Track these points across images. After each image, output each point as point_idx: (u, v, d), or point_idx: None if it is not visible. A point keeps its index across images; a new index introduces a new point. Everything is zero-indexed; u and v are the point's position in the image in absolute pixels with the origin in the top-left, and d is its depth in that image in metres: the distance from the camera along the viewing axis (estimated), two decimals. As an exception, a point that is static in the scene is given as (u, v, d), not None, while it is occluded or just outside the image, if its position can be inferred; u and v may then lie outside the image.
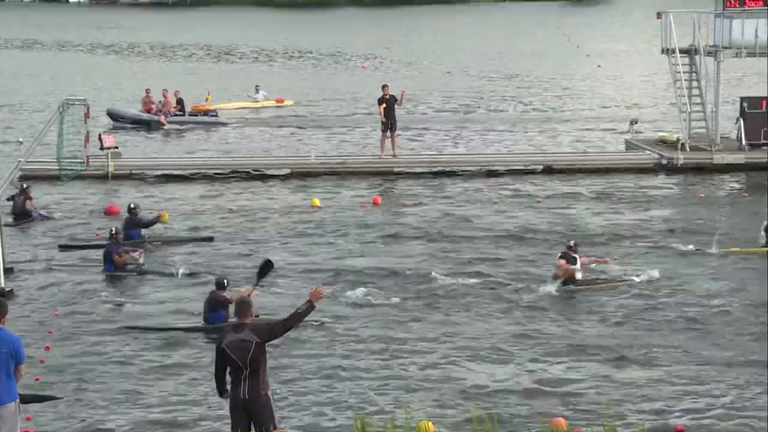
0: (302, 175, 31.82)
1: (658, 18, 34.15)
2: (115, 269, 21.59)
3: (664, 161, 32.35)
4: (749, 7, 32.96)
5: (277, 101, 48.60)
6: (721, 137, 33.20)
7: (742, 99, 33.56)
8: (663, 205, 28.04)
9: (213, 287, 18.56)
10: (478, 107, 48.43)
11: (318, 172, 32.04)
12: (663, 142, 33.97)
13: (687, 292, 20.19)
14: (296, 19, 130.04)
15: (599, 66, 66.74)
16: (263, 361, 11.80)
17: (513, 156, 34.56)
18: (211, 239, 24.40)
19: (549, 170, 32.35)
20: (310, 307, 11.87)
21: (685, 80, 33.32)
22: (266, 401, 11.81)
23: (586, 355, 17.03)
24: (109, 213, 26.90)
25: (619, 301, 19.69)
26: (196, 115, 42.77)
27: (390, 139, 32.35)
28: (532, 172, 32.25)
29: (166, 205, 27.60)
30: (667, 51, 33.55)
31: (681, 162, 32.09)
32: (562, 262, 20.51)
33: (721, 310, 19.09)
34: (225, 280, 18.56)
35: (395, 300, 19.79)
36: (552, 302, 19.71)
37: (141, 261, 21.79)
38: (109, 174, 31.21)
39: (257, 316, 16.22)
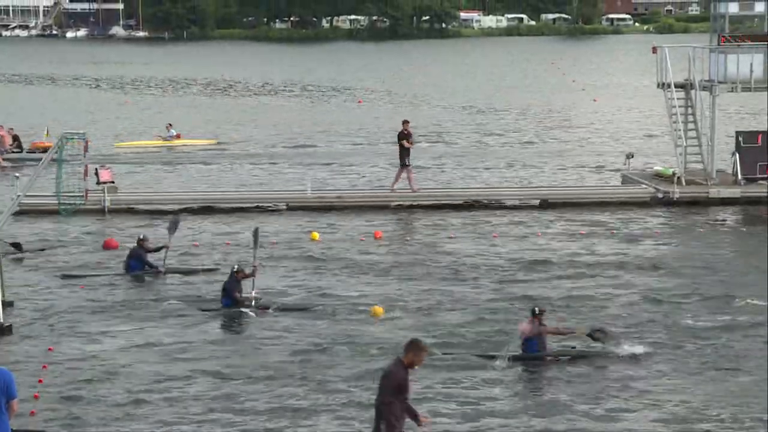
0: (298, 210, 31.83)
1: (654, 52, 34.29)
2: (232, 305, 21.42)
3: (661, 195, 32.41)
4: (744, 42, 33.13)
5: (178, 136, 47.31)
6: (717, 171, 33.29)
7: (738, 133, 33.66)
8: (661, 239, 28.08)
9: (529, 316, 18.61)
10: (474, 141, 48.53)
11: (314, 207, 32.06)
12: (659, 176, 34.03)
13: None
14: (292, 54, 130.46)
15: (595, 100, 66.98)
16: (385, 401, 12.51)
17: (509, 190, 34.61)
18: (215, 269, 24.66)
19: (545, 204, 32.40)
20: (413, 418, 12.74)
21: (680, 114, 33.45)
22: None
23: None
24: (106, 247, 26.92)
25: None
26: (35, 152, 40.99)
27: (408, 174, 32.52)
28: (529, 207, 32.30)
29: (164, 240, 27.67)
30: (663, 85, 33.68)
31: (677, 196, 32.15)
32: None
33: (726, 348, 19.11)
34: (537, 308, 18.58)
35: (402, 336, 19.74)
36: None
37: (259, 297, 21.70)
38: (106, 209, 31.24)
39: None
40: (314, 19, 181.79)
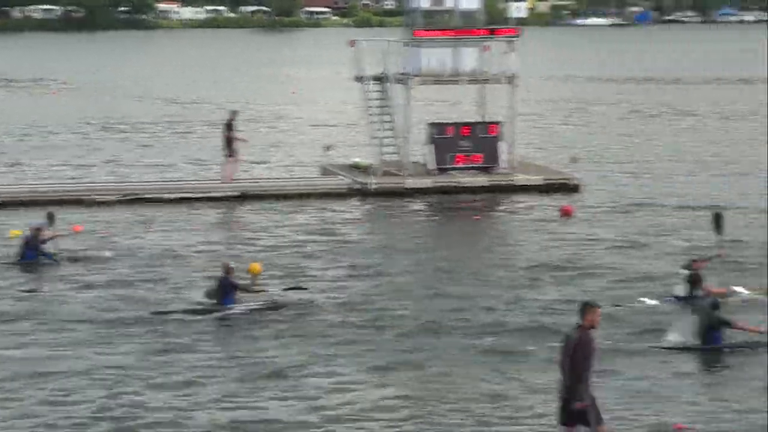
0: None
1: (351, 45, 34.84)
2: None
3: (358, 186, 32.96)
4: (436, 36, 34.07)
5: None
6: (411, 162, 34.11)
7: (430, 125, 34.53)
8: (358, 230, 28.60)
9: None
10: (172, 133, 48.06)
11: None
12: (357, 168, 34.58)
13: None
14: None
15: (293, 92, 67.41)
16: (583, 367, 12.87)
17: (209, 182, 34.39)
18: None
19: (245, 196, 32.38)
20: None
21: (376, 107, 34.13)
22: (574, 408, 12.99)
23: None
24: None
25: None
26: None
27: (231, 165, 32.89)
28: (229, 199, 32.19)
29: None
30: (360, 78, 34.30)
31: (374, 187, 32.76)
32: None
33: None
34: None
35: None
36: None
37: None
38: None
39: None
40: (5, 7, 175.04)
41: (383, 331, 19.56)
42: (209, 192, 32.63)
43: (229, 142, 32.95)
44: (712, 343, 18.40)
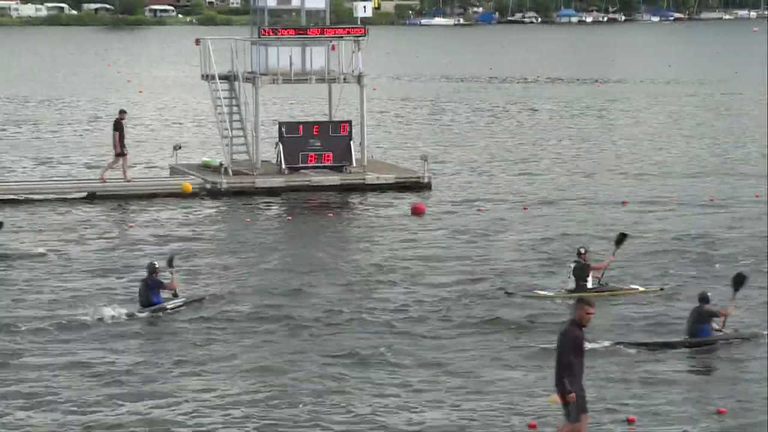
0: None
1: (197, 44, 34.58)
2: None
3: (209, 186, 32.72)
4: (284, 35, 34.02)
5: None
6: (262, 161, 34.03)
7: (280, 124, 34.52)
8: (209, 229, 28.41)
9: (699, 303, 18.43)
10: (15, 131, 47.06)
11: None
12: (207, 167, 34.37)
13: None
14: None
15: (141, 91, 66.58)
16: (565, 361, 12.96)
17: (55, 182, 33.75)
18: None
19: (94, 196, 31.86)
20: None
21: (225, 106, 33.97)
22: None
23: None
24: None
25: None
26: None
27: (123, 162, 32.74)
28: (76, 199, 31.62)
29: None
30: (207, 77, 34.09)
31: (225, 186, 32.56)
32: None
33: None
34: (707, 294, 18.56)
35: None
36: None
37: None
38: None
39: None
40: None
41: (236, 331, 19.48)
42: (56, 193, 32.02)
43: (121, 140, 32.50)
44: (700, 337, 18.31)
